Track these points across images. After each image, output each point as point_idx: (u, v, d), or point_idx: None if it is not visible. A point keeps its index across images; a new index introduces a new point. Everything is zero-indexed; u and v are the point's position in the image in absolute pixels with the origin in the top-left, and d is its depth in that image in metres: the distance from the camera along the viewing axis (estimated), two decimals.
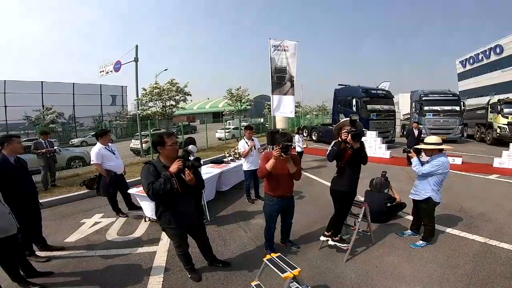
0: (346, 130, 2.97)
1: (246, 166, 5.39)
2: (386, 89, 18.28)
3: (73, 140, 22.28)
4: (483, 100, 18.35)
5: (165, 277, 2.93)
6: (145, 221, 4.50)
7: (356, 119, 3.22)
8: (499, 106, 14.30)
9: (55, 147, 7.13)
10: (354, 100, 13.57)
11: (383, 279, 2.85)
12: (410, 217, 4.33)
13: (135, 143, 12.98)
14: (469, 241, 3.67)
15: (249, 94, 25.31)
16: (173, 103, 14.70)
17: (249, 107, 28.38)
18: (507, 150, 8.39)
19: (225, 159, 6.72)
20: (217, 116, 43.72)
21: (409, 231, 3.87)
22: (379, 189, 4.49)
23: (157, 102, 14.75)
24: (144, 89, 14.50)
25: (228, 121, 26.21)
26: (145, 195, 4.07)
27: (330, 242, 3.34)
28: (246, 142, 5.37)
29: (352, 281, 2.84)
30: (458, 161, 8.63)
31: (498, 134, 13.80)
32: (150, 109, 14.99)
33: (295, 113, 39.34)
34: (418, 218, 3.75)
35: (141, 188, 4.51)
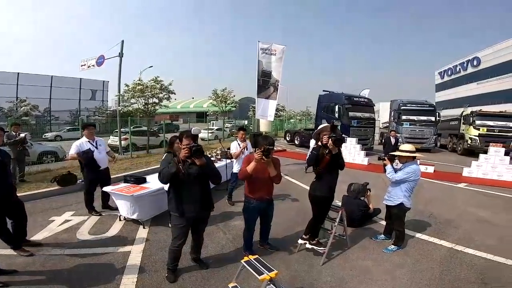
0: (327, 135, 3.04)
1: (236, 168, 5.32)
2: (366, 96, 18.85)
3: (46, 134, 21.30)
4: (458, 111, 19.36)
5: (139, 277, 2.85)
6: (120, 220, 4.37)
7: (338, 125, 3.31)
8: (471, 118, 15.14)
9: (27, 139, 6.81)
10: (337, 107, 13.85)
11: (357, 283, 2.92)
12: (384, 222, 4.47)
13: (113, 140, 12.59)
14: (437, 246, 3.83)
15: (234, 96, 25.28)
16: (156, 100, 14.39)
17: (233, 108, 28.36)
18: (476, 160, 8.90)
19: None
20: (201, 116, 43.30)
21: (382, 235, 4.00)
22: (356, 195, 4.60)
23: (139, 99, 14.37)
24: (127, 85, 14.10)
25: (212, 122, 26.03)
26: (121, 193, 4.08)
27: (308, 245, 3.39)
28: (239, 144, 5.32)
29: (328, 284, 2.89)
30: (431, 169, 9.02)
31: (469, 145, 14.59)
32: (131, 105, 14.58)
33: (279, 117, 39.66)
34: (391, 223, 3.88)
35: (116, 187, 4.41)
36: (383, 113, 29.44)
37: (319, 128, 3.27)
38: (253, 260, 2.36)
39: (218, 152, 7.01)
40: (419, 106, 16.48)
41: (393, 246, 3.69)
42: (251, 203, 3.18)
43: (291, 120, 40.81)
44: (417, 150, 3.96)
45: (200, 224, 2.95)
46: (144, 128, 14.50)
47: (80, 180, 5.93)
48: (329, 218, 3.63)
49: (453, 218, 4.95)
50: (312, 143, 9.90)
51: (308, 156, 3.21)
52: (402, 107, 16.52)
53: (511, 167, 8.33)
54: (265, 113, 11.02)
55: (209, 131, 18.16)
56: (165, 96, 14.57)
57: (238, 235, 3.82)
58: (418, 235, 4.15)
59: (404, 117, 16.09)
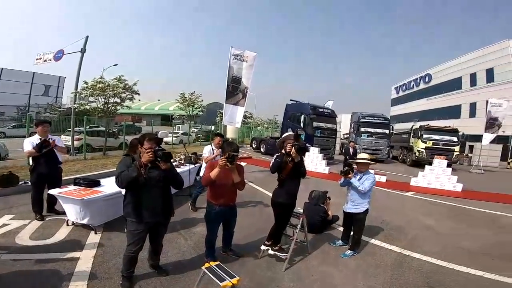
0: (290, 144, 3.14)
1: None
2: (330, 107, 19.82)
3: None
4: (409, 126, 21.16)
5: (90, 284, 2.65)
6: (68, 225, 4.03)
7: (302, 134, 3.46)
8: (419, 132, 16.68)
9: None
10: (302, 116, 14.35)
11: None
12: (341, 228, 4.67)
13: (65, 139, 11.62)
14: (388, 251, 4.06)
15: (202, 100, 24.94)
16: (118, 100, 13.66)
17: (201, 113, 27.95)
18: (422, 171, 9.78)
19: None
20: (166, 119, 41.95)
21: (340, 241, 4.17)
22: (316, 202, 4.78)
23: (99, 97, 13.52)
24: (86, 82, 13.21)
25: (177, 126, 25.34)
26: (68, 197, 3.79)
27: (270, 251, 3.44)
28: (213, 149, 5.19)
29: None
30: (383, 179, 9.71)
31: (416, 157, 16.04)
32: (89, 104, 13.66)
33: (247, 124, 39.79)
34: (349, 229, 4.07)
35: (64, 189, 4.06)
36: (344, 125, 30.91)
37: (283, 136, 3.38)
38: (215, 267, 2.33)
39: (182, 156, 6.82)
40: (376, 119, 17.73)
41: (349, 251, 3.87)
42: (214, 209, 3.15)
43: (258, 127, 41.32)
44: (372, 161, 4.22)
45: (159, 230, 2.84)
46: (102, 128, 13.61)
47: (23, 182, 5.41)
48: (291, 225, 3.73)
49: (402, 225, 5.31)
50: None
51: (271, 163, 3.25)
52: (361, 120, 17.65)
53: (452, 178, 9.28)
54: (233, 120, 11.00)
55: (174, 135, 17.62)
56: (128, 96, 13.91)
57: (200, 242, 3.75)
58: (372, 240, 4.39)
59: (362, 129, 17.20)
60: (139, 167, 2.44)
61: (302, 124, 14.17)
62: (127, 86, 13.71)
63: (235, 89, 10.52)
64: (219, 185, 3.03)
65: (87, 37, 10.15)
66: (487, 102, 17.37)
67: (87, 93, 13.00)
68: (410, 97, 41.04)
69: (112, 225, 4.10)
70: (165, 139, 18.17)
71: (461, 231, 5.26)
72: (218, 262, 2.45)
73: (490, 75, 25.90)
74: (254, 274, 3.16)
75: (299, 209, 4.84)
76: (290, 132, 3.41)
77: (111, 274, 2.83)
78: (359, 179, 3.83)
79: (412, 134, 17.69)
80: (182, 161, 6.56)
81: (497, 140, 19.10)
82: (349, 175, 3.81)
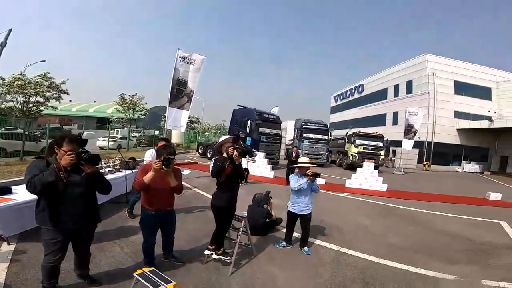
0: (232, 147, 3.16)
1: None
2: (276, 113, 20.60)
3: None
4: (344, 132, 23.25)
5: None
6: None
7: (242, 137, 3.51)
8: (352, 138, 18.47)
9: None
10: (249, 122, 14.63)
11: None
12: (284, 230, 4.87)
13: None
14: (327, 249, 4.32)
15: (146, 103, 23.52)
16: (41, 99, 12.03)
17: (143, 116, 26.32)
18: (354, 174, 10.82)
19: (101, 170, 5.93)
20: (103, 122, 38.33)
21: (284, 242, 4.32)
22: (259, 204, 4.90)
23: (17, 95, 11.76)
24: (2, 79, 11.36)
25: (116, 130, 23.37)
26: None
27: (214, 256, 3.40)
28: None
29: None
30: (323, 181, 10.43)
31: (350, 161, 17.70)
32: (5, 103, 11.75)
33: (194, 129, 38.73)
34: (292, 230, 4.29)
35: None
36: (290, 131, 32.20)
37: (221, 140, 3.38)
38: (148, 273, 2.24)
39: (117, 162, 6.33)
40: (316, 126, 19.06)
41: (307, 248, 4.15)
42: (149, 215, 3.02)
43: (206, 133, 40.69)
44: (312, 164, 4.46)
45: (84, 237, 2.60)
46: (20, 130, 11.78)
47: None
48: (234, 228, 3.75)
49: (339, 224, 5.70)
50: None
51: (211, 168, 3.23)
52: (304, 126, 18.78)
53: (379, 179, 10.47)
54: (177, 124, 10.64)
55: (111, 139, 16.19)
56: (54, 95, 12.39)
57: (138, 250, 3.52)
58: (313, 240, 4.62)
59: (305, 135, 18.31)
60: (57, 171, 2.23)
61: (248, 130, 14.43)
62: (54, 85, 12.22)
63: (180, 92, 10.20)
64: (154, 189, 2.91)
65: (10, 30, 8.77)
66: (406, 111, 20.12)
67: (2, 91, 11.19)
68: (346, 105, 44.22)
69: (29, 235, 3.62)
70: (99, 143, 16.64)
71: (388, 228, 5.78)
72: (152, 268, 2.36)
73: (409, 86, 29.50)
74: (199, 280, 3.11)
75: (244, 212, 4.94)
76: (227, 136, 3.44)
77: (27, 285, 2.53)
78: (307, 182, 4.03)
79: (346, 140, 19.52)
80: (118, 167, 6.08)
81: (414, 145, 22.21)
82: (312, 177, 4.00)
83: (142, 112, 24.52)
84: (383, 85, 34.32)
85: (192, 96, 10.50)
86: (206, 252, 3.47)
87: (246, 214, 4.53)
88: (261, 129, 14.48)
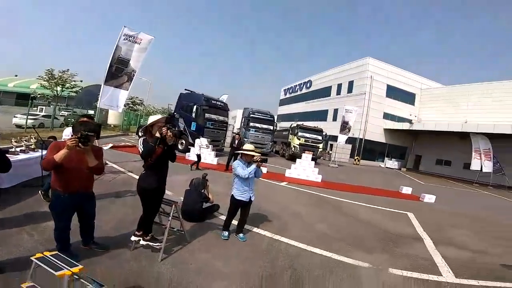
0: (166, 127, 3.00)
1: None
2: (225, 101, 20.45)
3: None
4: (290, 124, 24.28)
5: None
6: None
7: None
8: (295, 130, 19.42)
9: None
10: (195, 107, 14.21)
11: (197, 276, 3.01)
12: (224, 217, 4.81)
13: None
14: (262, 236, 4.42)
15: (82, 80, 20.95)
16: None
17: (74, 94, 23.43)
18: (294, 164, 11.45)
19: (11, 149, 5.14)
20: (24, 98, 33.08)
21: (226, 232, 4.22)
22: (196, 188, 4.85)
23: None
24: None
25: (40, 107, 20.40)
26: None
27: (142, 242, 3.27)
28: None
29: (167, 279, 2.86)
30: (264, 170, 10.78)
31: (292, 152, 18.66)
32: None
33: (136, 111, 36.05)
34: (232, 218, 4.24)
35: None
36: (239, 119, 32.19)
37: (152, 119, 3.19)
38: (50, 257, 2.08)
39: (32, 141, 5.57)
40: (263, 116, 19.47)
41: (242, 235, 4.20)
42: (61, 197, 2.74)
43: (150, 116, 38.24)
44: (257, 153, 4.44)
45: None
46: None
47: None
48: (164, 213, 3.63)
49: (276, 211, 5.88)
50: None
51: (141, 149, 3.02)
52: (251, 115, 19.01)
53: (315, 170, 11.26)
54: (113, 103, 9.93)
55: (32, 117, 14.09)
56: None
57: (52, 237, 3.20)
58: (248, 227, 4.69)
59: (251, 124, 18.57)
60: None
61: (194, 115, 14.05)
62: None
63: (119, 71, 9.70)
64: (68, 169, 2.65)
65: None
66: (343, 108, 21.89)
67: None
68: (294, 99, 45.92)
69: None
70: (16, 121, 14.37)
71: (318, 216, 6.11)
72: (56, 252, 2.20)
73: (350, 86, 31.90)
74: (125, 267, 2.97)
75: (181, 198, 4.85)
76: (159, 115, 3.28)
77: None
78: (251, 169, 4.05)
79: (290, 132, 20.45)
80: (33, 146, 5.35)
81: (348, 140, 24.41)
82: (262, 164, 4.03)
83: (74, 90, 21.76)
84: (328, 83, 36.39)
85: (133, 75, 10.07)
86: (133, 238, 3.31)
87: (179, 199, 4.45)
88: (207, 115, 14.22)
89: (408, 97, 31.90)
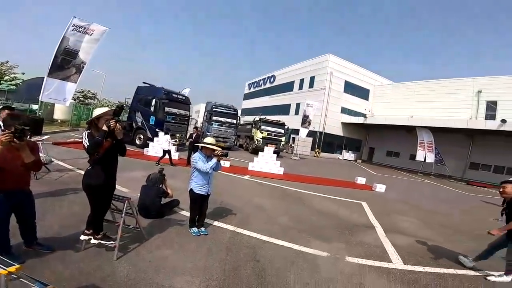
0: (114, 120, 2.83)
1: None
2: (187, 94, 19.83)
3: None
4: (253, 118, 24.41)
5: None
6: None
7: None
8: (259, 124, 19.60)
9: None
10: (154, 100, 13.57)
11: (156, 273, 2.94)
12: (184, 213, 4.81)
13: None
14: (224, 230, 4.42)
15: (24, 73, 18.77)
16: None
17: (14, 87, 20.94)
18: (257, 157, 11.57)
19: None
20: None
21: (195, 228, 4.16)
22: (154, 183, 4.67)
23: None
24: None
25: None
26: None
27: (93, 241, 3.11)
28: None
29: (124, 278, 2.77)
30: (227, 164, 10.78)
31: (256, 145, 18.84)
32: None
33: (88, 105, 33.40)
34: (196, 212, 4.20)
35: None
36: (203, 113, 31.53)
37: (98, 112, 2.97)
38: None
39: None
40: (226, 110, 19.30)
41: (204, 229, 4.19)
42: None
43: (96, 108, 35.70)
44: (221, 148, 4.37)
45: None
46: None
47: None
48: (117, 210, 3.47)
49: (237, 205, 5.93)
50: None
51: (86, 143, 2.81)
52: (214, 109, 18.72)
53: (277, 163, 11.50)
54: (59, 97, 9.29)
55: None
56: None
57: None
58: (209, 221, 4.67)
59: (214, 118, 18.31)
60: None
61: (153, 108, 13.42)
62: None
63: (66, 63, 9.20)
64: (2, 167, 2.43)
65: None
66: (305, 103, 22.61)
67: None
68: (258, 93, 46.50)
69: None
70: None
71: (279, 208, 6.24)
72: None
73: (312, 81, 33.18)
74: (78, 267, 2.82)
75: (138, 195, 4.64)
76: (105, 108, 3.08)
77: None
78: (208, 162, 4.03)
79: (253, 125, 20.59)
80: None
81: (309, 134, 25.33)
82: (226, 157, 4.04)
83: (14, 83, 19.45)
84: (291, 78, 37.40)
85: (82, 67, 9.59)
86: (82, 237, 3.13)
87: (136, 195, 4.23)
88: (167, 109, 13.67)
89: (363, 93, 34.04)
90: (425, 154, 22.53)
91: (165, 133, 10.22)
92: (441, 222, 7.06)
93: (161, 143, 10.76)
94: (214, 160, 3.96)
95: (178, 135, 13.75)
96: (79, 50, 9.28)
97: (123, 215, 3.29)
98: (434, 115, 25.61)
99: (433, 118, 24.49)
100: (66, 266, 2.81)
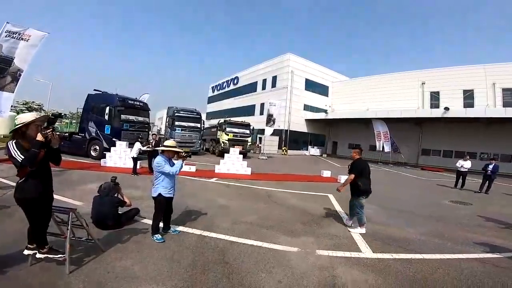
0: (50, 129, 2.61)
1: None
2: (145, 101, 18.96)
3: None
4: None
5: None
6: None
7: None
8: (223, 126, 19.40)
9: None
10: (108, 108, 12.70)
11: (115, 283, 2.77)
12: (146, 221, 4.57)
13: None
14: (190, 235, 4.25)
15: None
16: None
17: None
18: (223, 159, 11.40)
19: None
20: None
21: (159, 235, 3.98)
22: (107, 193, 4.36)
23: None
24: None
25: None
26: None
27: (39, 255, 2.87)
28: None
29: None
30: (193, 168, 10.49)
31: (222, 148, 18.62)
32: None
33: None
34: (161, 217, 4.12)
35: None
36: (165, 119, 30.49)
37: (26, 119, 2.66)
38: None
39: None
40: (189, 114, 18.81)
41: (173, 229, 4.30)
42: None
43: (20, 115, 32.77)
44: (187, 153, 4.33)
45: None
46: None
47: None
48: (62, 223, 3.19)
49: (203, 208, 5.78)
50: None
51: (19, 156, 2.50)
52: (176, 114, 18.14)
53: (243, 163, 11.43)
54: None
55: None
56: None
57: None
58: (175, 227, 4.45)
59: (177, 123, 17.75)
60: None
61: (107, 117, 12.55)
62: None
63: (2, 71, 8.55)
64: None
65: None
66: (268, 102, 22.88)
67: None
68: (223, 96, 46.19)
69: None
70: None
71: (247, 207, 6.19)
72: None
73: (274, 81, 33.72)
74: (25, 283, 2.62)
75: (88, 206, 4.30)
76: (33, 113, 2.79)
77: None
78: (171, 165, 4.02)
79: (218, 128, 20.35)
80: None
81: (275, 132, 25.70)
82: (185, 156, 4.12)
83: None
84: (254, 79, 37.72)
85: (19, 75, 8.93)
86: (26, 252, 2.89)
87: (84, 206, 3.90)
88: (123, 116, 12.89)
89: (323, 90, 35.50)
90: (382, 144, 24.07)
91: (136, 141, 9.66)
92: (401, 207, 7.41)
93: (127, 152, 10.15)
94: (180, 161, 4.03)
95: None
96: (14, 57, 8.60)
97: (69, 227, 3.03)
98: (387, 107, 27.50)
99: (386, 110, 26.28)
100: (13, 284, 2.64)
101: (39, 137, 2.54)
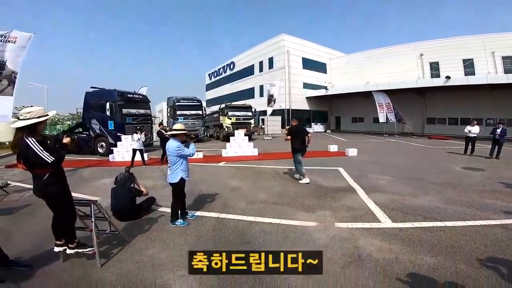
0: (67, 134, 2.77)
1: None
2: (144, 93, 18.76)
3: None
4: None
5: None
6: None
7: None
8: (225, 110, 19.27)
9: None
10: (108, 104, 12.61)
11: (146, 272, 2.81)
12: (163, 209, 4.63)
13: None
14: (208, 218, 4.29)
15: None
16: None
17: None
18: (229, 143, 11.40)
19: None
20: None
21: (181, 220, 4.08)
22: (124, 184, 4.39)
23: None
24: None
25: None
26: None
27: (69, 251, 2.93)
28: None
29: (113, 282, 2.63)
30: (200, 155, 10.53)
31: (226, 132, 18.58)
32: None
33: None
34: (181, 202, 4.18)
35: None
36: (166, 112, 30.51)
37: (41, 115, 2.67)
38: None
39: None
40: (190, 102, 18.66)
41: (191, 214, 4.33)
42: None
43: (58, 125, 32.91)
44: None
45: None
46: None
47: None
48: (86, 216, 3.23)
49: (216, 191, 5.82)
50: None
51: (47, 156, 2.58)
52: (176, 103, 18.01)
53: (250, 145, 11.43)
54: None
55: None
56: None
57: None
58: (192, 212, 4.48)
59: (179, 112, 17.66)
60: None
61: (109, 112, 12.50)
62: None
63: None
64: None
65: None
66: (267, 83, 22.57)
67: None
68: (220, 82, 45.75)
69: None
70: None
71: (259, 187, 6.22)
72: None
73: (271, 62, 33.16)
74: (61, 279, 2.70)
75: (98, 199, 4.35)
76: (37, 108, 2.74)
77: None
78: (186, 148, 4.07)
79: (220, 113, 20.22)
80: None
81: (277, 112, 25.50)
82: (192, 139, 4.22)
83: None
84: (250, 62, 37.10)
85: (15, 78, 8.71)
86: (56, 249, 2.94)
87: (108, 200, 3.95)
88: (125, 110, 12.83)
89: (321, 67, 34.80)
90: (386, 115, 23.78)
91: (135, 132, 9.55)
92: (414, 176, 7.30)
93: (130, 143, 10.11)
94: (192, 143, 4.13)
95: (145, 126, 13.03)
96: (5, 60, 8.41)
97: (93, 219, 3.05)
98: (387, 80, 27.03)
99: (387, 83, 25.84)
100: (49, 281, 2.67)
101: (66, 140, 2.74)
